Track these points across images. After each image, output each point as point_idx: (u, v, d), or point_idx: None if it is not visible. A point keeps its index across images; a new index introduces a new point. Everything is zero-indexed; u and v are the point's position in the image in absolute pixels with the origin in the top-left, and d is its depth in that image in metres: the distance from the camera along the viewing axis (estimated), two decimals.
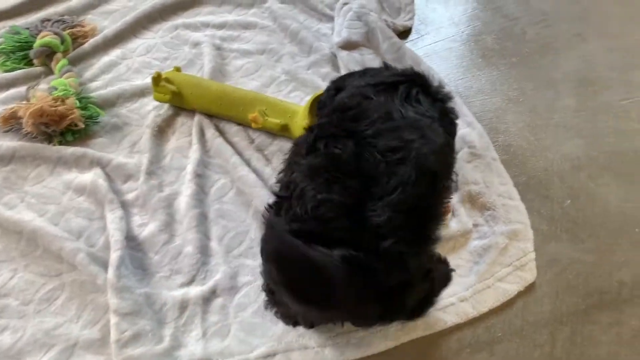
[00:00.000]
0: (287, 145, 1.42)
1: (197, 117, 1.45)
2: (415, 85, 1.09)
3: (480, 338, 1.14)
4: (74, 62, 1.58)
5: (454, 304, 1.15)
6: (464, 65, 1.71)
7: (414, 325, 1.12)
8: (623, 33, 1.86)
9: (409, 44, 1.77)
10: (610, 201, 1.40)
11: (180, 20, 1.73)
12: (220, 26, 1.73)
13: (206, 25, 1.72)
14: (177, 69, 1.49)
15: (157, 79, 1.42)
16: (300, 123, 1.37)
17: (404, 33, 1.79)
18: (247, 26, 1.73)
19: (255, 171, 1.35)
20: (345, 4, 1.80)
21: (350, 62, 1.60)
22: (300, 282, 0.80)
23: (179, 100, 1.45)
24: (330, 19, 1.78)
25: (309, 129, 1.05)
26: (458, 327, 1.15)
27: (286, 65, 1.63)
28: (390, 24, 1.75)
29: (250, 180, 1.32)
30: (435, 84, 1.15)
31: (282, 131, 1.41)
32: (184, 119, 1.47)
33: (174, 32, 1.70)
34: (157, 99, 1.46)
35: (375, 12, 1.77)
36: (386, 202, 0.83)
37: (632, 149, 1.52)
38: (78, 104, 1.38)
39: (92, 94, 1.48)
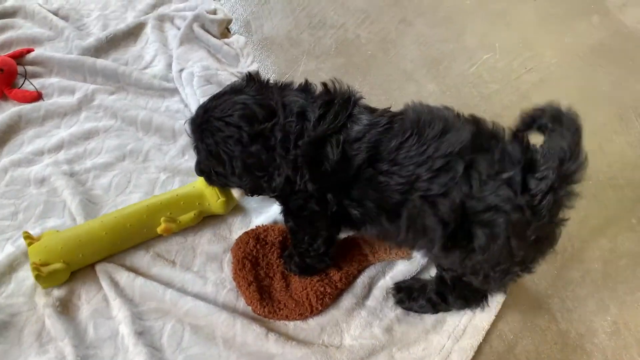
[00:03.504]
0: (212, 248, 1.27)
1: (97, 265, 1.21)
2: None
3: (496, 346, 1.16)
4: None
5: None
6: None
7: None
8: (435, 5, 1.99)
9: None
10: None
11: (5, 159, 1.41)
12: (57, 147, 1.45)
13: (39, 153, 1.43)
14: (28, 237, 1.19)
15: (40, 275, 1.12)
16: (214, 203, 1.27)
17: None
18: (87, 136, 1.48)
19: (198, 296, 1.17)
20: (182, 70, 1.64)
21: None
22: None
23: (74, 267, 1.19)
24: (173, 92, 1.61)
25: None
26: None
27: (158, 162, 1.43)
28: (238, 74, 1.64)
29: (201, 310, 1.14)
30: None
31: (200, 217, 1.29)
32: (83, 274, 1.21)
33: (5, 176, 1.37)
34: (49, 287, 1.18)
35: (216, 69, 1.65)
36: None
37: (502, 107, 1.66)
38: None
39: None
